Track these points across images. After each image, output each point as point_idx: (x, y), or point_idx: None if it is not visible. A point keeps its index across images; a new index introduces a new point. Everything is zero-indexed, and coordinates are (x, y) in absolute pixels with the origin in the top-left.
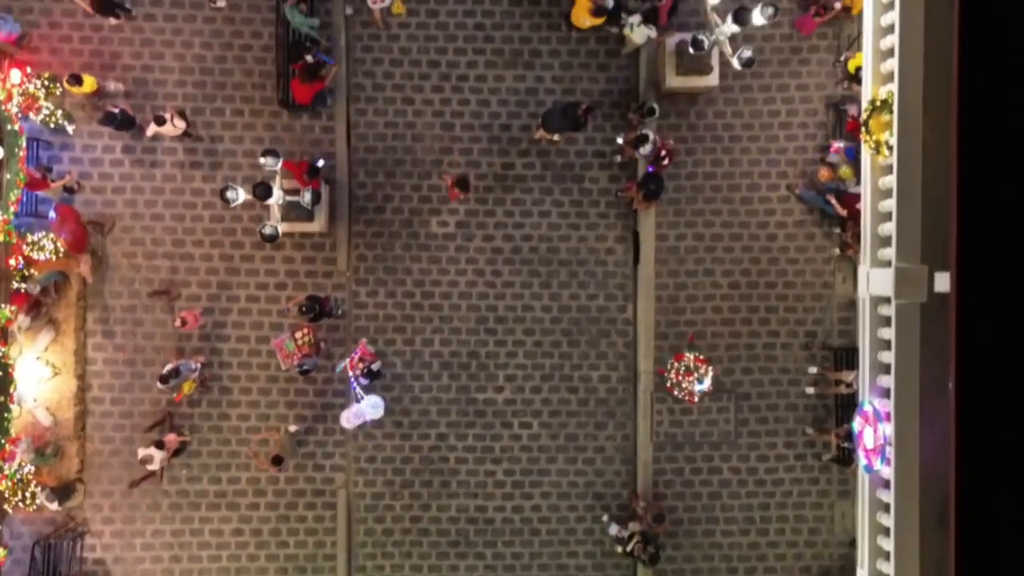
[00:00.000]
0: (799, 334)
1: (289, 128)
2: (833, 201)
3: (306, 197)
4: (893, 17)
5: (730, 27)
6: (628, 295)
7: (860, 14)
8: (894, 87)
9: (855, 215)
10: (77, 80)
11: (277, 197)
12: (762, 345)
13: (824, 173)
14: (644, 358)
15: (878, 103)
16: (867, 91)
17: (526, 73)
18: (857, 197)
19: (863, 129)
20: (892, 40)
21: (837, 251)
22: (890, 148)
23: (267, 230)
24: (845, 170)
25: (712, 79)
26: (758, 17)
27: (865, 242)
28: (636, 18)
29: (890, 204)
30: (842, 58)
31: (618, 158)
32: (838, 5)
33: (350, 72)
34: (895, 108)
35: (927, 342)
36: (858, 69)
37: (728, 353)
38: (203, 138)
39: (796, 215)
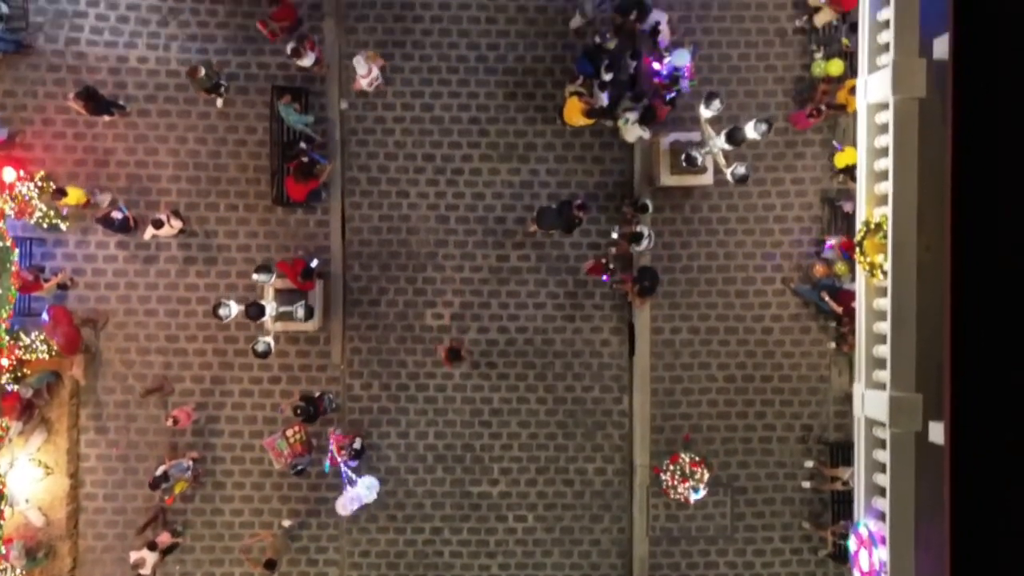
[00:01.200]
0: (795, 428)
1: (284, 222)
2: (828, 299)
3: (299, 312)
4: (887, 140)
5: (723, 142)
6: (624, 387)
7: (854, 112)
8: (888, 211)
9: (850, 312)
10: (62, 192)
11: (271, 310)
12: (758, 439)
13: (819, 269)
14: (640, 451)
15: (872, 225)
16: (861, 211)
17: (521, 166)
18: (852, 294)
19: (857, 249)
20: (886, 163)
21: (833, 344)
22: (884, 273)
23: (260, 347)
24: (840, 266)
25: (707, 178)
26: (751, 132)
27: (860, 361)
28: (633, 115)
29: (885, 327)
30: (834, 147)
31: (612, 250)
32: (825, 108)
33: (345, 166)
34: (889, 236)
35: (923, 469)
36: (847, 166)
37: (724, 447)
38: (197, 233)
39: (792, 308)
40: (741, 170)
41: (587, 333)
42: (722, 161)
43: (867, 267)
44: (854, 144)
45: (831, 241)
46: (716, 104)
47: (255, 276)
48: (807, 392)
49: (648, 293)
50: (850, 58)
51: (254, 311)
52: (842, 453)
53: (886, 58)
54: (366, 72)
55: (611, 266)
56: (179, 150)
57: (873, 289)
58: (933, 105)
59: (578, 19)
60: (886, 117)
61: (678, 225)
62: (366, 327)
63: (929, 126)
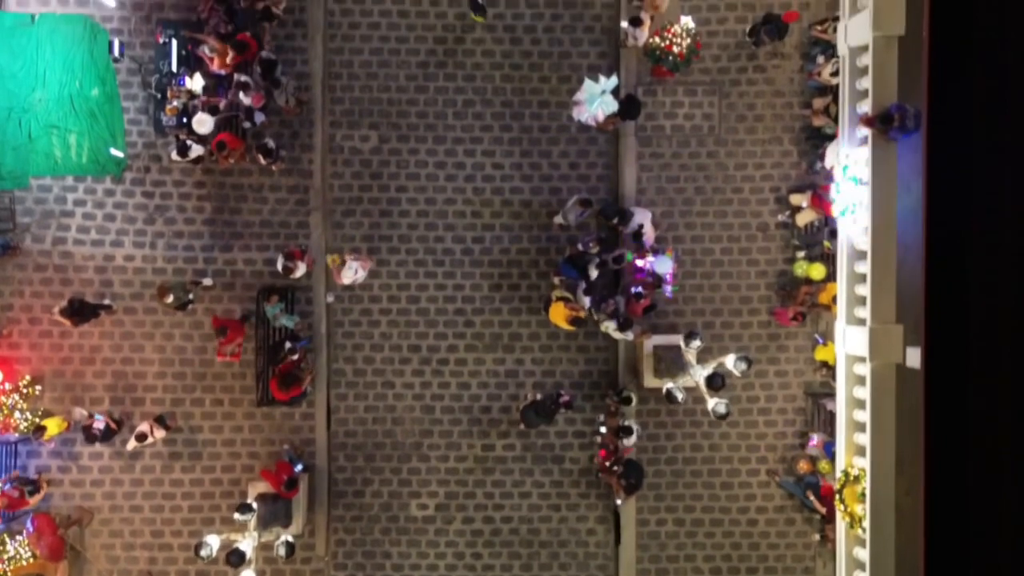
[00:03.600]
0: None
1: (269, 416)
2: (812, 497)
3: (280, 551)
4: (865, 394)
5: (703, 382)
6: None
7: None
8: (866, 463)
9: (833, 513)
10: (41, 430)
11: (251, 552)
12: None
13: (803, 465)
14: None
15: (851, 477)
16: (841, 459)
17: (506, 356)
18: None
19: (837, 498)
20: (864, 416)
21: (817, 537)
22: (864, 528)
23: (234, 558)
24: (824, 464)
25: (690, 380)
26: (731, 366)
27: None
28: (612, 324)
29: None
30: (816, 340)
31: (599, 438)
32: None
33: (331, 358)
34: (867, 495)
35: None
36: (824, 363)
37: None
38: (183, 429)
39: (776, 500)
40: (722, 409)
41: (573, 522)
42: (704, 391)
43: (847, 518)
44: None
45: (815, 439)
46: (696, 344)
47: (236, 516)
48: None
49: (634, 491)
50: (832, 261)
51: (235, 559)
52: None
53: (864, 311)
54: (353, 273)
55: (615, 468)
56: (165, 347)
57: (853, 538)
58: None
59: (561, 219)
60: (864, 370)
61: (663, 416)
62: (351, 518)
63: (906, 381)
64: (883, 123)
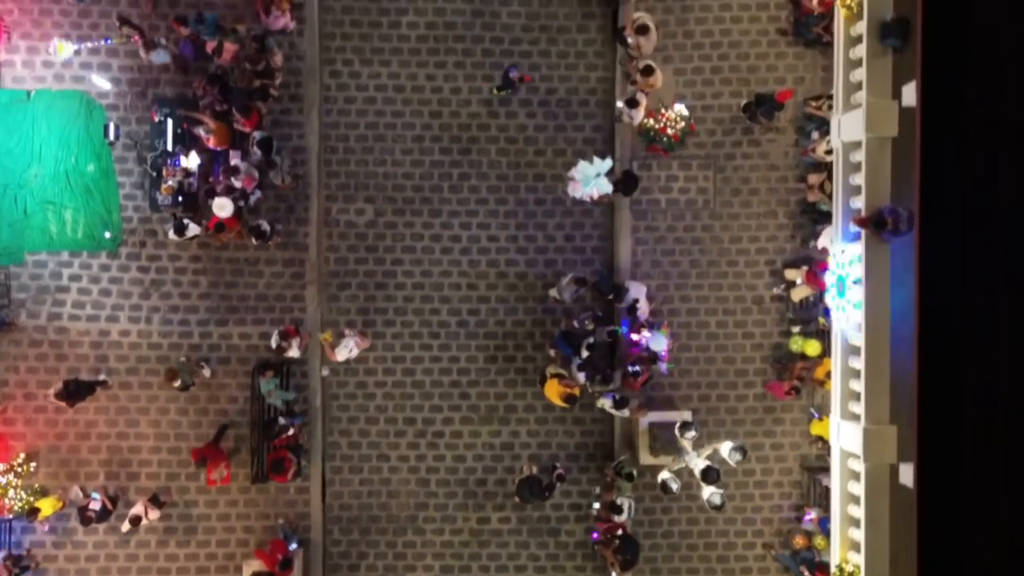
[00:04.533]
0: None
1: (263, 490)
2: (807, 573)
3: None
4: (859, 490)
5: (700, 462)
6: None
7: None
8: (860, 560)
9: None
10: (35, 511)
11: None
12: None
13: (799, 540)
14: None
15: (846, 573)
16: (835, 554)
17: (501, 428)
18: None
19: None
20: (859, 511)
21: None
22: None
23: None
24: (819, 540)
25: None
26: (725, 455)
27: None
28: (607, 401)
29: None
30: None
31: (594, 511)
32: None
33: (325, 431)
34: None
35: None
36: (820, 437)
37: None
38: (178, 504)
39: (772, 574)
40: (717, 500)
41: None
42: (699, 478)
43: None
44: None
45: (811, 514)
46: (691, 434)
47: None
48: None
49: (629, 567)
50: (827, 337)
51: None
52: None
53: (858, 406)
54: (348, 350)
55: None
56: (160, 421)
57: None
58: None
59: (557, 293)
60: (859, 467)
61: (659, 490)
62: None
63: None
64: (877, 227)
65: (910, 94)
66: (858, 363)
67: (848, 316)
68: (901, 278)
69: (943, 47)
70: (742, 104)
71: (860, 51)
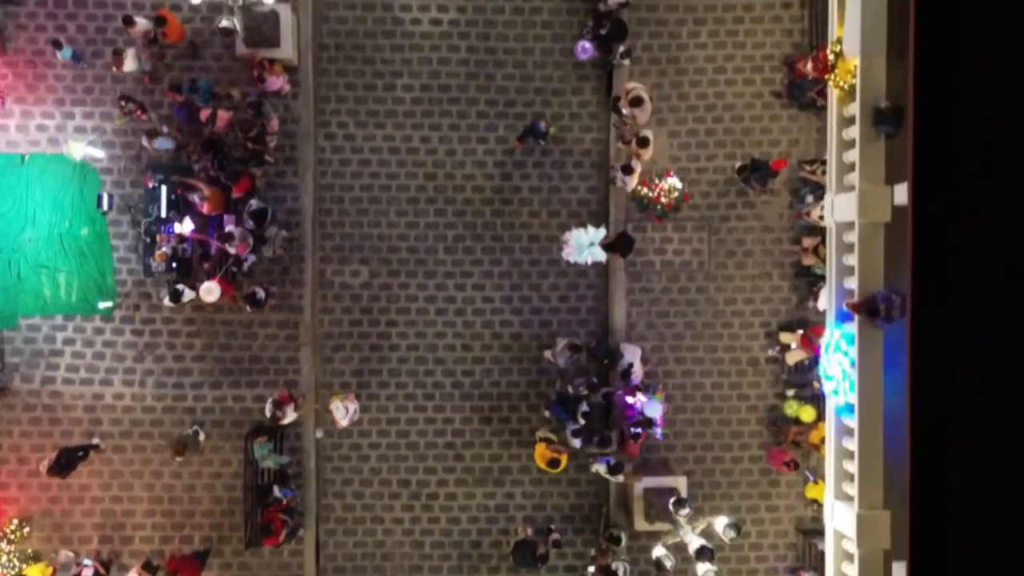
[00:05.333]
0: None
1: (257, 554)
2: None
3: None
4: (853, 572)
5: (695, 538)
6: None
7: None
8: None
9: None
10: None
11: None
12: None
13: None
14: None
15: None
16: None
17: (496, 490)
18: None
19: None
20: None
21: None
22: None
23: None
24: None
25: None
26: (719, 530)
27: None
28: (601, 466)
29: None
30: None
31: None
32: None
33: (319, 493)
34: None
35: None
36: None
37: None
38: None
39: None
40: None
41: None
42: (693, 555)
43: None
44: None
45: None
46: (685, 511)
47: None
48: None
49: None
50: (822, 401)
51: None
52: None
53: (851, 488)
54: (344, 413)
55: None
56: (154, 484)
57: None
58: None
59: (551, 357)
60: (852, 548)
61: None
62: None
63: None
64: (870, 314)
65: (902, 192)
66: (852, 444)
67: (842, 395)
68: (895, 357)
69: (935, 139)
70: (737, 166)
71: (853, 132)
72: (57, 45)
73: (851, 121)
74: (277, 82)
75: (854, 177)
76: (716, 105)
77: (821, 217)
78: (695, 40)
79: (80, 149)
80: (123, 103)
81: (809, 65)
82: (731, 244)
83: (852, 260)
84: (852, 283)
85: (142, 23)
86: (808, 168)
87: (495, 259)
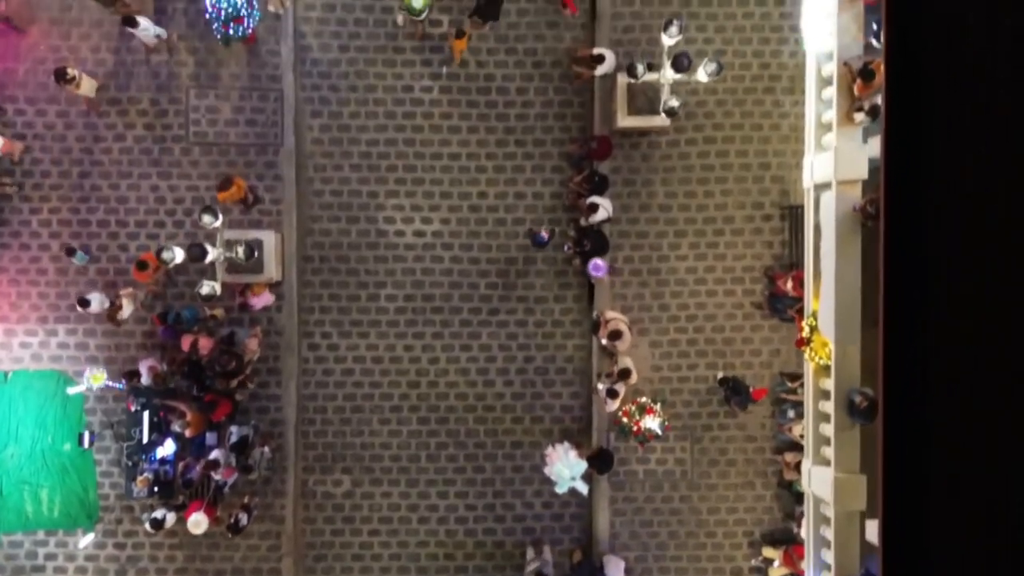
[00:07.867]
0: None
1: None
2: None
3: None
4: None
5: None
6: None
7: None
8: None
9: None
10: None
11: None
12: None
13: None
14: None
15: None
16: None
17: None
18: None
19: None
20: None
21: None
22: None
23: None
24: None
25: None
26: (702, 76)
27: None
28: None
29: None
30: None
31: None
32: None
33: None
34: None
35: None
36: None
37: None
38: None
39: None
40: (673, 102)
41: None
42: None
43: None
44: None
45: None
46: (673, 30)
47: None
48: None
49: None
50: None
51: None
52: None
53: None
54: None
55: None
56: None
57: None
58: None
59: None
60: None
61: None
62: None
63: None
64: None
65: (874, 524)
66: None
67: None
68: None
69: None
70: (719, 376)
71: (828, 407)
72: (71, 252)
73: (826, 395)
74: (262, 300)
75: (830, 452)
76: (697, 316)
77: (801, 436)
78: (676, 252)
79: (102, 381)
80: (128, 381)
81: (789, 284)
82: (714, 453)
83: (829, 534)
84: (829, 557)
85: (95, 307)
86: (790, 385)
87: (478, 466)
